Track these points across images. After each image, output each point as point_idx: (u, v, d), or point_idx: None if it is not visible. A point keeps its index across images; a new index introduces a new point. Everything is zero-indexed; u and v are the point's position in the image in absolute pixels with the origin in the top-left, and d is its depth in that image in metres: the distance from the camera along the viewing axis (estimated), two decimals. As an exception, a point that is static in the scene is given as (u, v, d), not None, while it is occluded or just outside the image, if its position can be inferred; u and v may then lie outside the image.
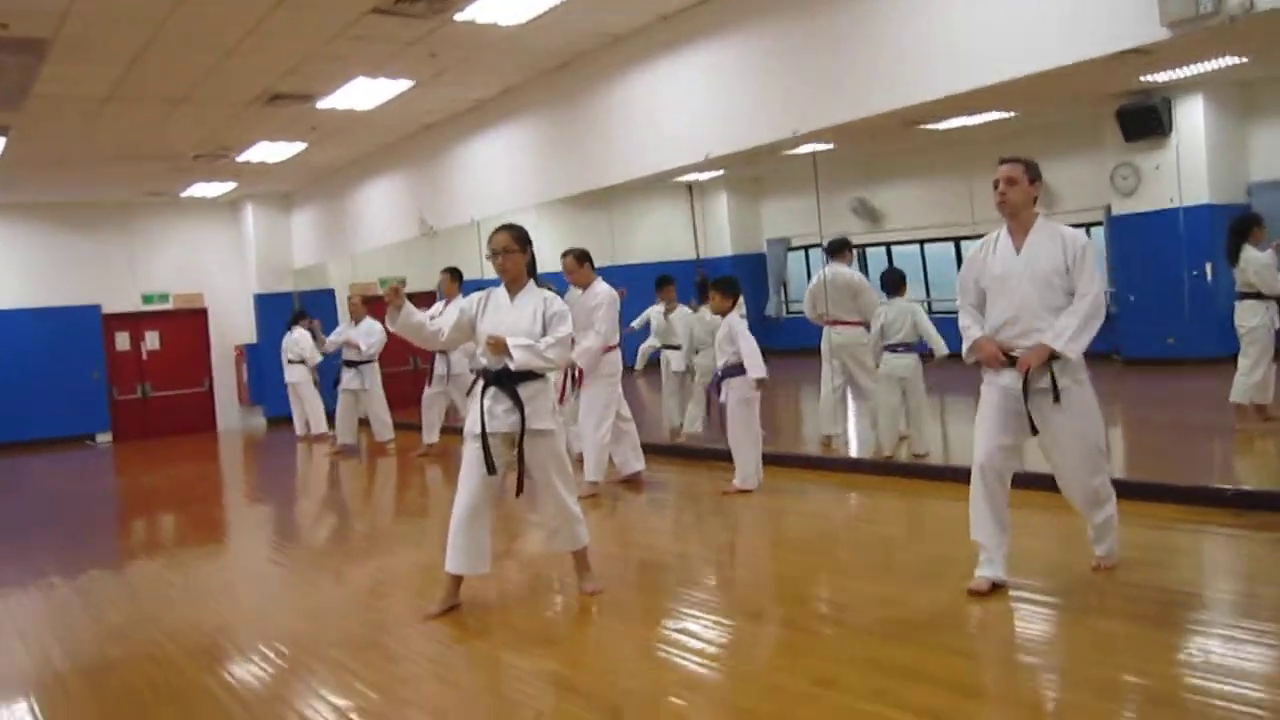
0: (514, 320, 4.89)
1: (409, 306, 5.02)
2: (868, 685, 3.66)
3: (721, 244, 19.86)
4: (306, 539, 7.98)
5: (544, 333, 4.86)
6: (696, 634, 4.48)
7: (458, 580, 5.00)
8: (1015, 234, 4.57)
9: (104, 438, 15.99)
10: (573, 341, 5.32)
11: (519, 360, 4.74)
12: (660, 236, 19.75)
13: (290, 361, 13.82)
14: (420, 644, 4.64)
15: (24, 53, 8.63)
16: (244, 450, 14.52)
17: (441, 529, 5.00)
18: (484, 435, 4.80)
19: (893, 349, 8.08)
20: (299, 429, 13.92)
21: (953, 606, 4.47)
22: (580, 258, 8.00)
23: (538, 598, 5.36)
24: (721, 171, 16.87)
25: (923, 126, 12.89)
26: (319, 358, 13.69)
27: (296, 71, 9.72)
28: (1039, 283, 4.46)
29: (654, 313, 11.16)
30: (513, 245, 4.99)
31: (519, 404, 4.81)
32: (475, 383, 4.99)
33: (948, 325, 6.16)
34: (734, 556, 6.18)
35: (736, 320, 7.45)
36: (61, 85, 9.54)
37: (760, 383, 7.33)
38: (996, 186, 4.55)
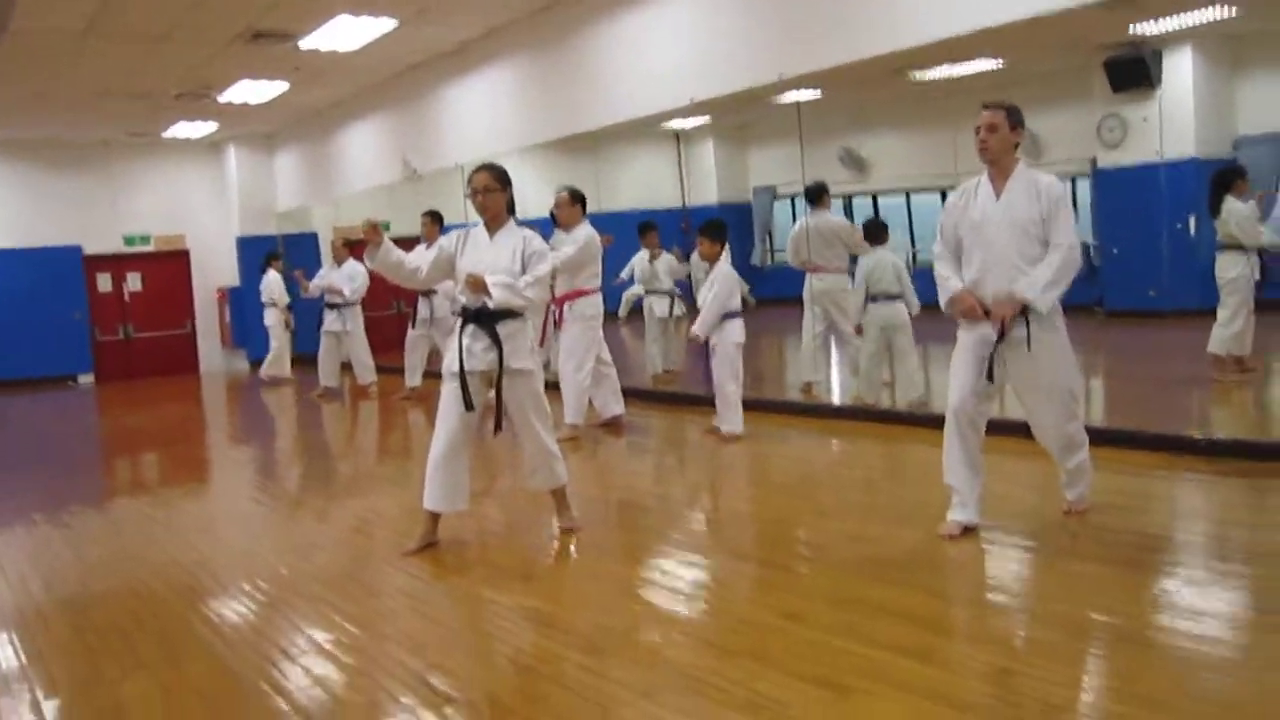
0: (493, 258, 4.89)
1: (388, 243, 5.01)
2: (838, 620, 3.72)
3: (707, 192, 19.77)
4: (289, 479, 8.00)
5: (523, 271, 4.86)
6: (673, 572, 4.54)
7: (435, 517, 5.03)
8: (995, 181, 4.55)
9: (86, 378, 15.94)
10: (553, 279, 5.31)
11: (497, 298, 4.74)
12: (646, 184, 19.64)
13: (264, 304, 13.89)
14: (400, 580, 4.68)
15: (0, -16, 8.51)
16: (226, 392, 14.52)
17: (423, 470, 5.02)
18: (462, 373, 4.81)
19: (874, 299, 8.06)
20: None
21: (926, 547, 4.53)
22: (574, 197, 7.95)
23: (516, 536, 5.41)
24: (708, 119, 16.75)
25: (910, 75, 12.83)
26: (286, 299, 13.73)
27: (278, 6, 9.58)
28: (1016, 231, 4.45)
29: (638, 259, 11.14)
30: (493, 184, 4.97)
31: (497, 342, 4.82)
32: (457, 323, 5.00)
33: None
34: (714, 498, 6.23)
35: (722, 268, 7.39)
36: (39, 19, 9.40)
37: (698, 339, 7.37)
38: (978, 132, 4.53)
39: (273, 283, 13.82)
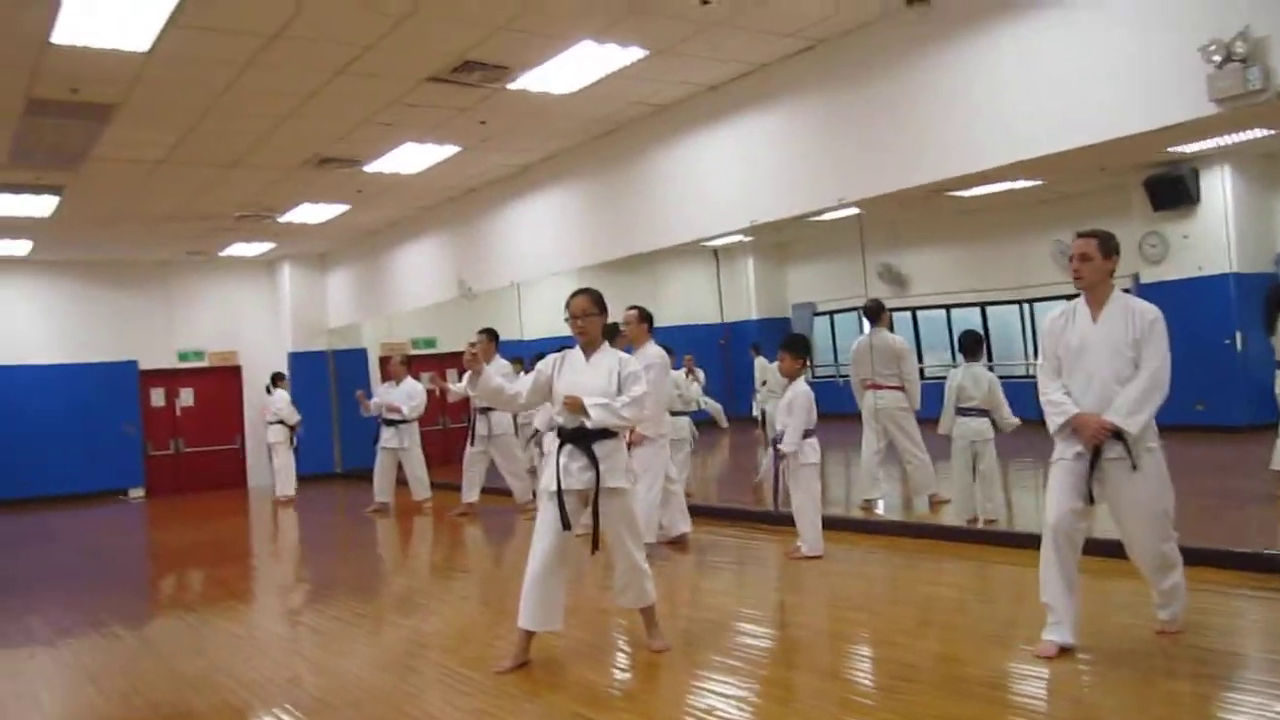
0: (590, 380, 5.04)
1: (488, 370, 5.17)
2: (951, 742, 3.74)
3: (746, 307, 20.05)
4: (364, 594, 8.05)
5: (619, 392, 5.00)
6: (766, 693, 4.56)
7: (530, 636, 5.09)
8: (1092, 306, 4.71)
9: (136, 493, 16.12)
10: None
11: (595, 418, 4.89)
12: (686, 300, 19.96)
13: (269, 423, 14.18)
14: (488, 700, 4.72)
15: (89, 117, 8.91)
16: (274, 507, 14.63)
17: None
18: (559, 492, 4.93)
19: (966, 412, 8.01)
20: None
21: (1021, 668, 4.54)
22: (643, 316, 8.13)
23: (606, 654, 5.44)
24: (745, 237, 17.09)
25: (950, 194, 13.10)
26: (297, 417, 14.19)
27: (347, 137, 9.99)
28: (1112, 355, 4.59)
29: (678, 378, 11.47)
30: (591, 308, 5.15)
31: (594, 462, 4.95)
32: (551, 442, 5.13)
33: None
34: (795, 617, 6.24)
35: (800, 388, 7.40)
36: (120, 149, 9.81)
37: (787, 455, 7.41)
38: (1071, 261, 4.70)
39: (278, 401, 14.14)
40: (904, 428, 8.74)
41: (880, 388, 8.84)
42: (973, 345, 8.19)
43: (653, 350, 8.01)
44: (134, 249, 15.54)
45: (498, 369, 9.82)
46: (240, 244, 15.58)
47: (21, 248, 14.60)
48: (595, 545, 5.04)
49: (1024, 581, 4.75)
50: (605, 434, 4.99)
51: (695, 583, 7.21)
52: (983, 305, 15.78)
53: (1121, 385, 4.57)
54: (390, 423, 11.95)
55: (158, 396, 16.78)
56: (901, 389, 8.88)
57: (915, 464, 8.86)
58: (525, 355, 15.12)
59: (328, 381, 17.37)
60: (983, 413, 7.99)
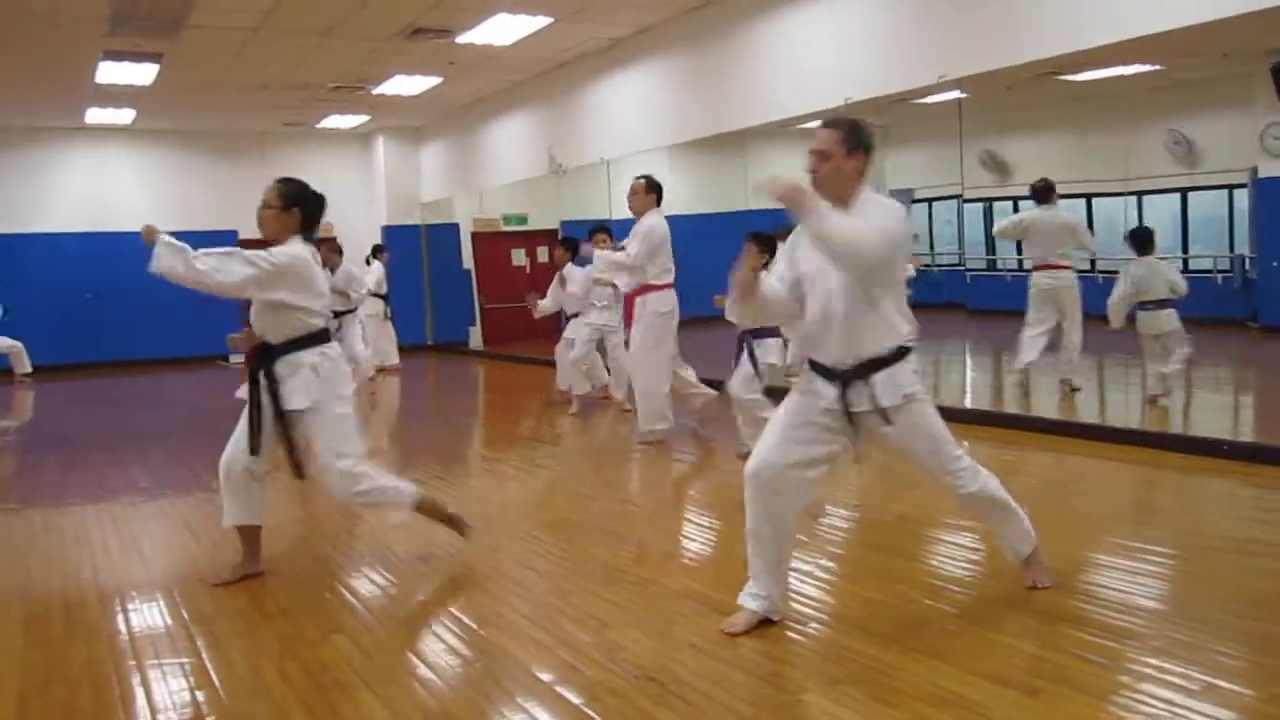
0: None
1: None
2: (1015, 623, 3.72)
3: (841, 193, 19.65)
4: (449, 459, 8.25)
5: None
6: (840, 567, 4.58)
7: None
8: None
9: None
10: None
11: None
12: (782, 183, 19.62)
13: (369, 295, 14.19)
14: (551, 563, 4.82)
15: (185, -19, 8.96)
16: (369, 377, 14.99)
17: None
18: None
19: (1144, 305, 8.06)
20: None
21: (1100, 558, 4.48)
22: (651, 186, 7.93)
23: (672, 521, 5.51)
24: (847, 119, 16.64)
25: (1059, 77, 12.54)
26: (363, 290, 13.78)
27: (440, 5, 9.87)
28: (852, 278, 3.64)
29: None
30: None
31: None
32: None
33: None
34: (873, 500, 6.23)
35: None
36: (215, 15, 9.85)
37: None
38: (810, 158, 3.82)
39: (376, 273, 14.15)
40: (1077, 309, 8.74)
41: (1055, 268, 8.78)
42: (1145, 239, 8.21)
43: (649, 221, 7.87)
44: (232, 119, 15.74)
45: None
46: (335, 116, 15.67)
47: (125, 116, 14.90)
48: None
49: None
50: None
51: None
52: (1088, 196, 15.21)
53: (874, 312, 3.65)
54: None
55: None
56: (1070, 268, 8.89)
57: (1072, 349, 8.82)
58: (616, 236, 15.11)
59: (420, 255, 17.58)
60: (1164, 303, 8.03)
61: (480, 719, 3.23)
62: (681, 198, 19.06)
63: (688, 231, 18.29)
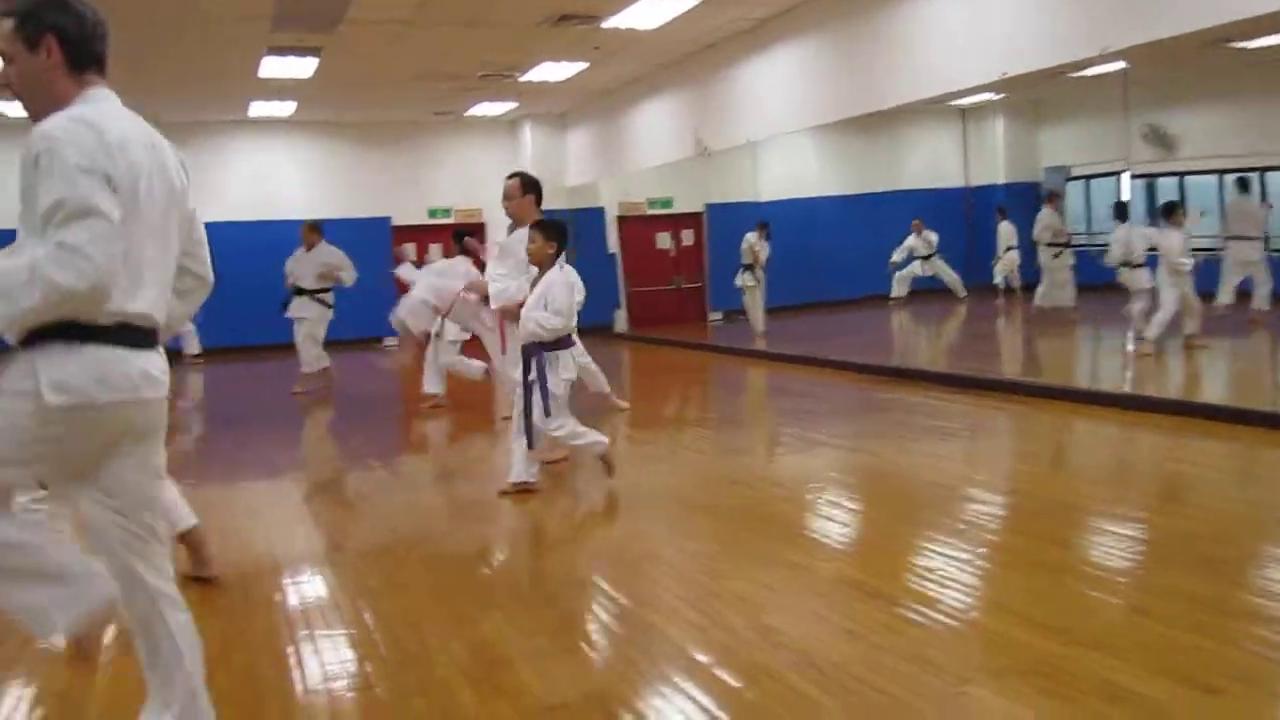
0: None
1: None
2: (1187, 617, 3.56)
3: (993, 171, 19.10)
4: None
5: None
6: (1002, 556, 4.46)
7: None
8: None
9: (391, 341, 17.15)
10: None
11: None
12: (928, 163, 19.20)
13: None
14: (701, 546, 4.83)
15: (343, -23, 9.25)
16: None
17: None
18: None
19: None
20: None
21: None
22: (526, 185, 6.62)
23: (826, 509, 5.46)
24: (995, 95, 16.15)
25: (1230, 45, 11.88)
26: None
27: (587, -10, 9.97)
28: None
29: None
30: None
31: None
32: None
33: None
34: (1027, 485, 6.06)
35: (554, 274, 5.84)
36: (371, 10, 10.14)
37: None
38: None
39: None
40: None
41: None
42: None
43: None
44: (385, 109, 16.21)
45: None
46: (484, 103, 15.97)
47: (286, 109, 15.50)
48: None
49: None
50: None
51: (924, 448, 7.07)
52: (1262, 170, 14.41)
53: None
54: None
55: (410, 252, 17.62)
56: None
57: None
58: (759, 217, 15.01)
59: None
60: None
61: (638, 698, 3.25)
62: (828, 179, 18.87)
63: (834, 213, 18.16)
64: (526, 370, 5.77)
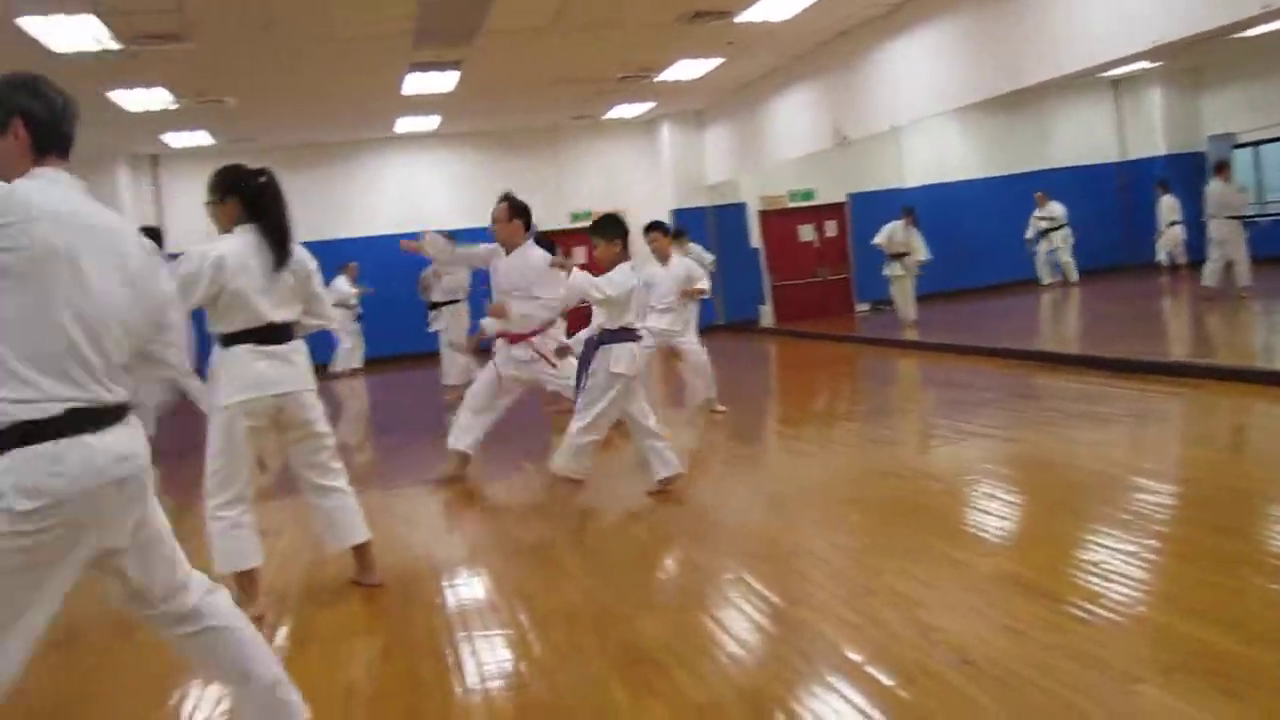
0: None
1: None
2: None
3: (1151, 143, 18.27)
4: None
5: None
6: (1159, 549, 4.27)
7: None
8: None
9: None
10: None
11: None
12: (1078, 139, 18.50)
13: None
14: (850, 539, 4.75)
15: (480, -10, 9.46)
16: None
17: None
18: None
19: None
20: None
21: None
22: (515, 209, 6.83)
23: (982, 501, 5.32)
24: (1149, 64, 15.42)
25: None
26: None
27: (720, -13, 9.96)
28: None
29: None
30: None
31: None
32: None
33: None
34: (1199, 473, 5.78)
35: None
36: (508, 19, 10.34)
37: None
38: None
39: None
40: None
41: None
42: None
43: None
44: (525, 116, 16.50)
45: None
46: (622, 105, 16.12)
47: (431, 123, 15.95)
48: None
49: None
50: None
51: (1085, 435, 6.81)
52: None
53: None
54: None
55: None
56: None
57: None
58: (903, 204, 14.70)
59: (708, 236, 17.80)
60: None
61: (792, 697, 3.22)
62: (973, 161, 18.36)
63: (981, 196, 17.66)
64: (587, 361, 5.83)
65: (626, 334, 5.81)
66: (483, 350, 9.02)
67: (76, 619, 4.71)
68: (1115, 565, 4.04)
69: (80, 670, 4.08)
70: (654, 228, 8.91)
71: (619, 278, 5.76)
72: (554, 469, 6.04)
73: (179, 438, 8.27)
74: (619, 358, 5.75)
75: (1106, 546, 4.31)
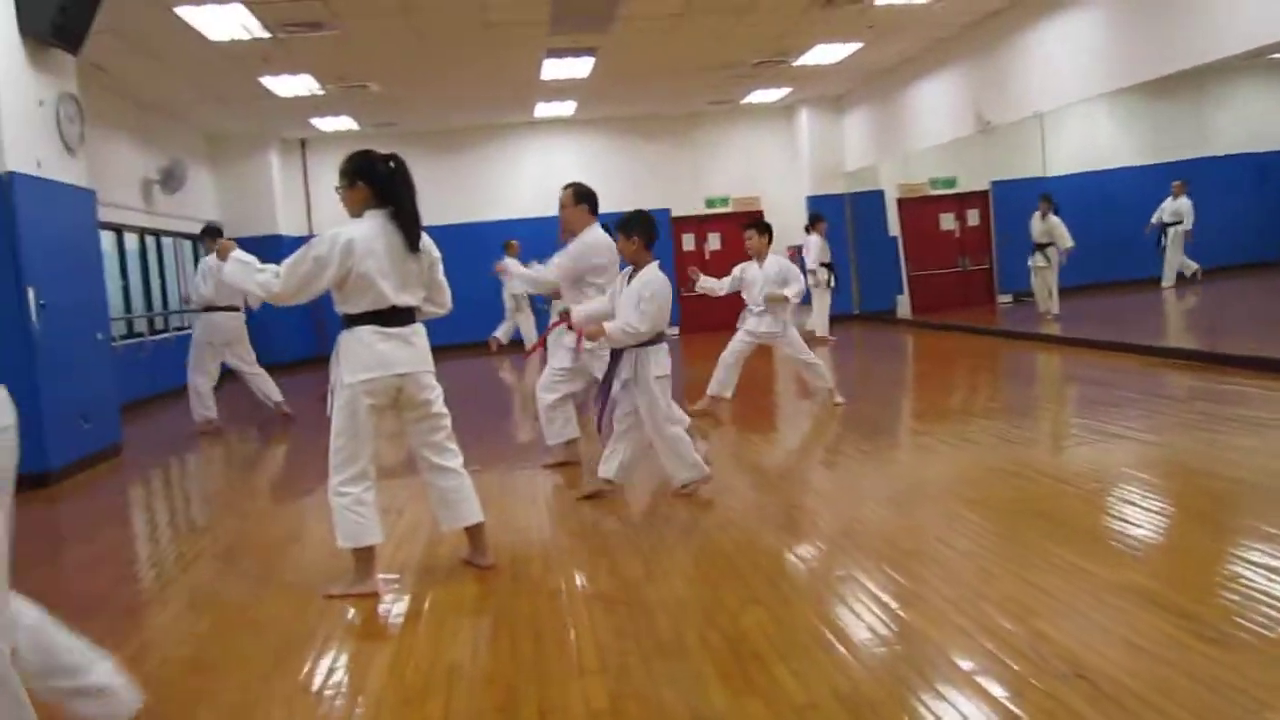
0: None
1: None
2: None
3: (1340, 124, 17.15)
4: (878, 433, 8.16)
5: None
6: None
7: None
8: None
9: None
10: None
11: None
12: (1247, 123, 17.48)
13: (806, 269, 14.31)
14: (972, 543, 4.59)
15: (615, -24, 9.46)
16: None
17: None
18: None
19: None
20: None
21: None
22: (579, 195, 6.84)
23: (1119, 510, 5.08)
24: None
25: None
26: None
27: (860, -31, 9.74)
28: None
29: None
30: None
31: None
32: None
33: None
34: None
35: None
36: (642, 5, 10.34)
37: None
38: None
39: (812, 246, 14.27)
40: None
41: None
42: None
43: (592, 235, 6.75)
44: (661, 102, 16.51)
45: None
46: (759, 90, 15.96)
47: (568, 108, 16.10)
48: None
49: None
50: None
51: (1235, 441, 6.44)
52: None
53: None
54: None
55: (688, 241, 17.92)
56: None
57: None
58: (1041, 191, 14.15)
59: (844, 224, 17.52)
60: None
61: (895, 704, 3.12)
62: (1125, 149, 17.55)
63: (1133, 185, 16.88)
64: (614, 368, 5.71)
65: (656, 338, 5.71)
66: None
67: (196, 590, 4.91)
68: (1257, 583, 3.80)
69: (197, 638, 4.24)
70: (750, 225, 8.69)
71: (649, 308, 5.58)
72: (676, 486, 5.91)
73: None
74: (658, 362, 5.66)
75: (1249, 562, 4.07)
